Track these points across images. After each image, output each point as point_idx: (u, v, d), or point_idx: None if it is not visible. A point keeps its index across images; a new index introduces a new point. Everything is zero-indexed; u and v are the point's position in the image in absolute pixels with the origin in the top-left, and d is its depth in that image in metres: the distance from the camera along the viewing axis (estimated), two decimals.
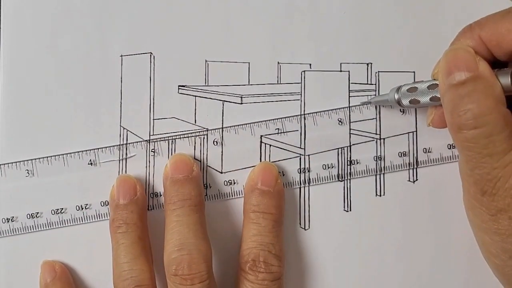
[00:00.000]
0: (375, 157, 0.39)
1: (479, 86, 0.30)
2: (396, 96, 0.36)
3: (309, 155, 0.38)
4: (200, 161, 0.38)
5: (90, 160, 0.37)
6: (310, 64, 0.39)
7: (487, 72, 0.30)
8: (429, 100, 0.34)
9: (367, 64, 0.39)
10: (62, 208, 0.37)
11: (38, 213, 0.37)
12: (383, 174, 0.39)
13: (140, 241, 0.36)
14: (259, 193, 0.36)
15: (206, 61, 0.38)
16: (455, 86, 0.30)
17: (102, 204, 0.38)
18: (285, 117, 0.38)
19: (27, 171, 0.37)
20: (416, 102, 0.35)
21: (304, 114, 0.38)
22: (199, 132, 0.38)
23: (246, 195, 0.37)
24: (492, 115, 0.29)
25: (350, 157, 0.39)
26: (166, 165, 0.37)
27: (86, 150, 0.38)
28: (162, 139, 0.38)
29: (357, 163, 0.39)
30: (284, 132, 0.38)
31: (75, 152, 0.37)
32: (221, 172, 0.38)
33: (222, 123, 0.38)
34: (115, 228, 0.36)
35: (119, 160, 0.38)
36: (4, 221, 0.37)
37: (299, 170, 0.38)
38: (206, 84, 0.38)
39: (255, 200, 0.36)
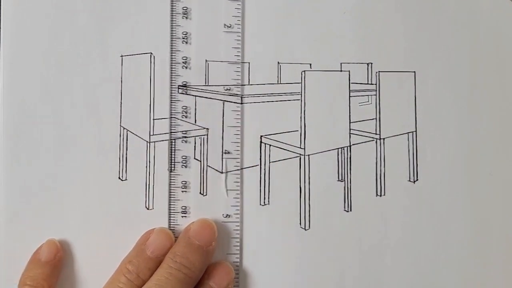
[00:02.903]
0: (375, 158, 0.39)
1: None
2: None
3: (309, 155, 0.38)
4: (200, 161, 0.38)
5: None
6: (310, 64, 0.39)
7: None
8: None
9: (367, 64, 0.39)
10: None
11: None
12: (383, 174, 0.39)
13: None
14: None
15: (206, 61, 0.38)
16: None
17: None
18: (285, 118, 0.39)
19: None
20: None
21: (305, 115, 0.38)
22: (199, 132, 0.38)
23: None
24: None
25: (350, 157, 0.39)
26: (193, 222, 0.37)
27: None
28: (162, 139, 0.38)
29: (357, 163, 0.39)
30: (284, 133, 0.38)
31: None
32: (221, 172, 0.38)
33: (223, 123, 0.38)
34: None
35: (119, 160, 0.38)
36: None
37: (299, 170, 0.38)
38: (206, 84, 0.38)
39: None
